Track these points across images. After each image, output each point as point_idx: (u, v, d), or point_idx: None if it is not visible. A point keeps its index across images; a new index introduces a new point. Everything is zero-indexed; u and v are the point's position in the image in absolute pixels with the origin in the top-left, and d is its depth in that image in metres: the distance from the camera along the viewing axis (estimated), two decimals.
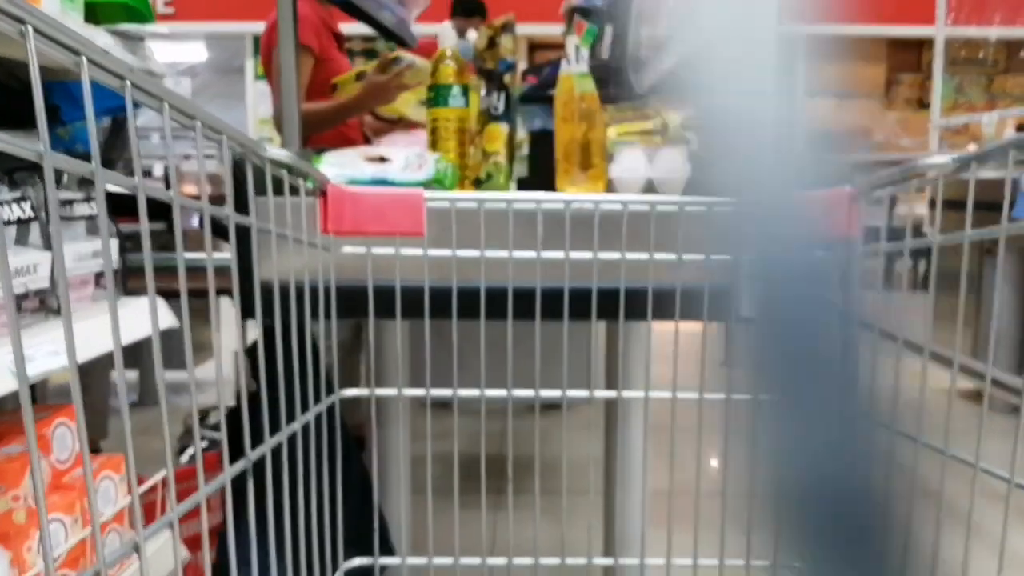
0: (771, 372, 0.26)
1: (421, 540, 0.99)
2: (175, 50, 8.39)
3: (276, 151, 0.71)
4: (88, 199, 1.25)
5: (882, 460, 0.26)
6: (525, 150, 1.63)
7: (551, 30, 3.23)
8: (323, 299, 0.84)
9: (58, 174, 1.18)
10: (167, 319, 1.23)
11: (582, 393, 0.94)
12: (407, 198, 0.88)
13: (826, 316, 0.26)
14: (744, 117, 0.25)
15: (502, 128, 1.44)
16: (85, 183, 1.27)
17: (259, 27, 2.80)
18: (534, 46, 7.90)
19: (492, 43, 1.45)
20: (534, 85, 2.31)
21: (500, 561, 0.92)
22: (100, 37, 1.35)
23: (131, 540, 0.51)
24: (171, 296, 0.88)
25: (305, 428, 0.79)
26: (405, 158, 1.24)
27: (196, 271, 0.59)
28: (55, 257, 1.08)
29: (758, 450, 0.26)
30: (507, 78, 1.45)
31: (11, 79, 1.37)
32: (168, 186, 0.55)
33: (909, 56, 8.17)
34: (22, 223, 1.09)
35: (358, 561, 0.95)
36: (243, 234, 0.67)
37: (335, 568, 0.89)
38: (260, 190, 0.69)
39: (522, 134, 1.59)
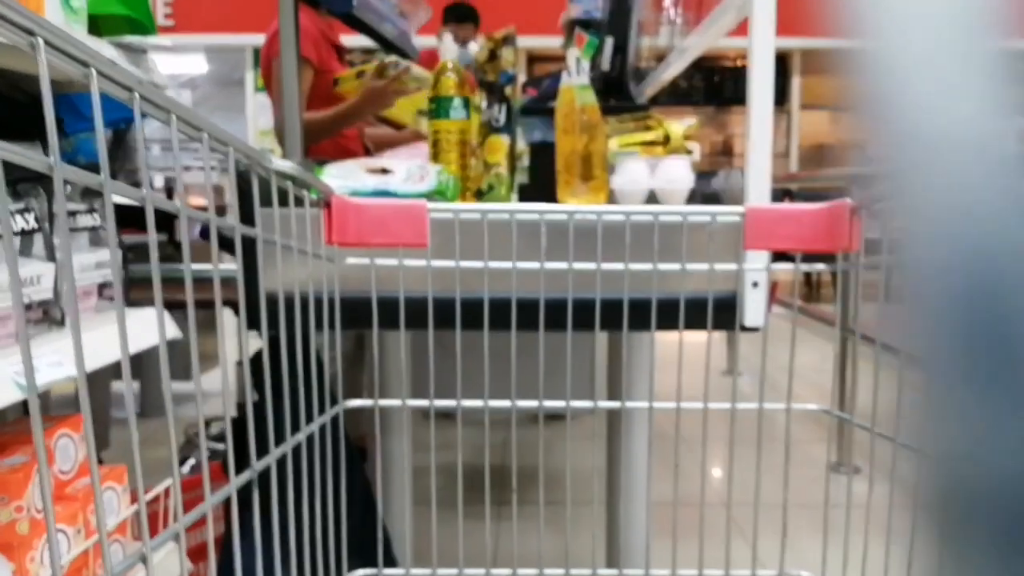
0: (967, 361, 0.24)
1: (424, 551, 0.99)
2: (175, 62, 8.43)
3: (281, 162, 0.71)
4: (91, 210, 1.25)
5: None
6: (525, 162, 1.64)
7: (550, 43, 3.25)
8: (327, 310, 0.84)
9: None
10: (170, 330, 1.23)
11: (586, 404, 0.94)
12: (410, 209, 0.88)
13: None
14: (962, 140, 0.24)
15: (503, 140, 1.44)
16: (88, 195, 1.27)
17: (259, 39, 2.81)
18: (533, 58, 7.94)
19: (493, 56, 1.46)
20: (534, 97, 2.32)
21: (504, 572, 0.92)
22: (104, 50, 1.35)
23: (136, 551, 0.51)
24: (172, 307, 0.88)
25: (309, 439, 0.79)
26: (407, 170, 1.25)
27: (198, 282, 0.59)
28: (64, 269, 1.08)
29: (930, 447, 0.24)
30: (508, 90, 1.46)
31: (15, 91, 1.37)
32: (170, 197, 0.55)
33: None
34: (26, 234, 1.09)
35: (361, 572, 0.94)
36: (247, 245, 0.67)
37: None
38: (265, 201, 0.70)
39: (522, 146, 1.59)
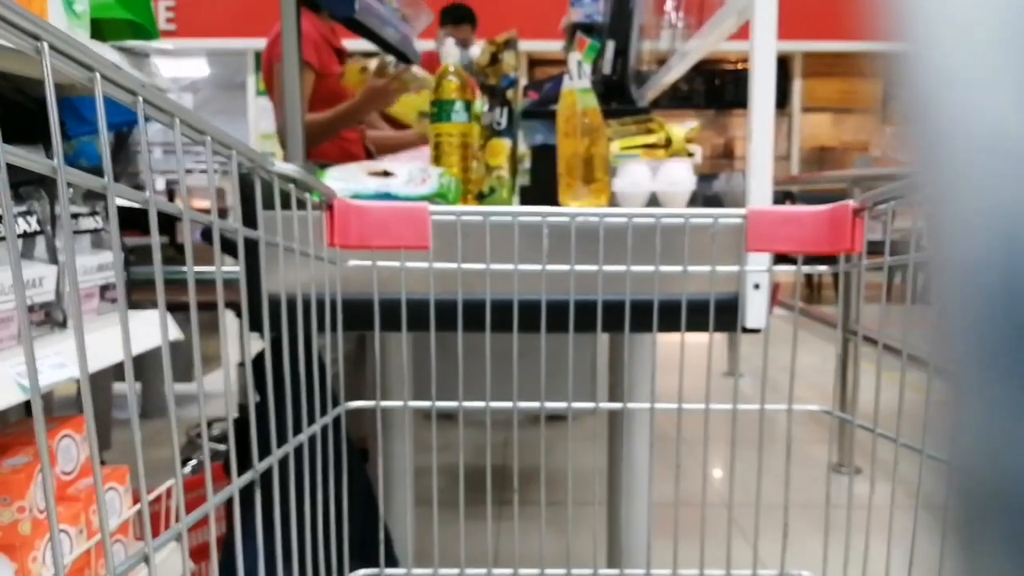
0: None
1: (426, 551, 0.99)
2: (177, 66, 8.44)
3: (284, 165, 0.71)
4: (93, 213, 1.26)
5: None
6: (527, 164, 1.64)
7: (551, 46, 3.25)
8: (329, 312, 0.84)
9: None
10: (172, 332, 1.24)
11: (587, 405, 0.94)
12: (412, 212, 0.88)
13: None
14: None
15: (505, 143, 1.45)
16: (90, 197, 1.28)
17: (261, 43, 2.83)
18: (534, 62, 7.95)
19: (495, 59, 1.46)
20: (535, 100, 2.33)
21: (505, 572, 0.92)
22: (108, 54, 1.36)
23: (138, 551, 0.51)
24: (174, 309, 0.89)
25: (311, 440, 0.79)
26: (408, 172, 1.25)
27: (200, 284, 0.60)
28: (67, 272, 1.09)
29: (958, 451, 0.23)
30: (510, 94, 1.46)
31: (18, 95, 1.38)
32: (172, 200, 0.56)
33: None
34: (28, 237, 1.10)
35: (363, 572, 0.95)
36: (250, 247, 0.67)
37: None
38: (267, 204, 0.70)
39: (523, 149, 1.60)
